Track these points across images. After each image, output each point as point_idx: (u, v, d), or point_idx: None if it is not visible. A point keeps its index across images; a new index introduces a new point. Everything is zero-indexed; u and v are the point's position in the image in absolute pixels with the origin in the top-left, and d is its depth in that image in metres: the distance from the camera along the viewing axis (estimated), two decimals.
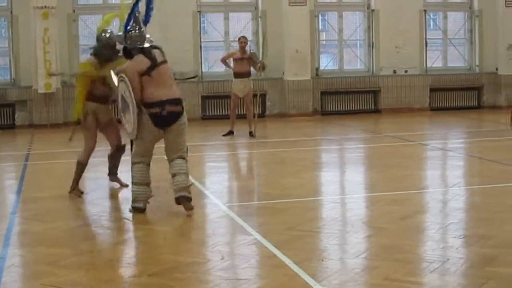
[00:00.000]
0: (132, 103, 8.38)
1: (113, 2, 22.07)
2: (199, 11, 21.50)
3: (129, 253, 7.16)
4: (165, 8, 20.08)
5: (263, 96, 20.82)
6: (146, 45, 8.61)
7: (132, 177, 8.74)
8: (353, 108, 22.15)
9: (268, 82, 21.12)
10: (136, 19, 8.70)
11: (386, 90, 22.66)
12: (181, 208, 8.65)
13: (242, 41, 16.58)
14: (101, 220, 8.58)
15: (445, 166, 12.88)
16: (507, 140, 16.06)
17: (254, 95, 17.05)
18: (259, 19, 22.09)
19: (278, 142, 16.12)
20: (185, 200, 8.45)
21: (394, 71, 22.89)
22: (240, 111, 17.27)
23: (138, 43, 8.63)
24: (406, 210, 8.64)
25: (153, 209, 8.33)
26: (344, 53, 23.23)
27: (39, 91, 19.62)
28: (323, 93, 22.27)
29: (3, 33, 21.75)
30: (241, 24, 22.07)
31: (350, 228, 8.03)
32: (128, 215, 8.55)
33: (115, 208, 9.34)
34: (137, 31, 8.64)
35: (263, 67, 16.70)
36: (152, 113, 8.43)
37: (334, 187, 11.00)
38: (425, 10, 23.29)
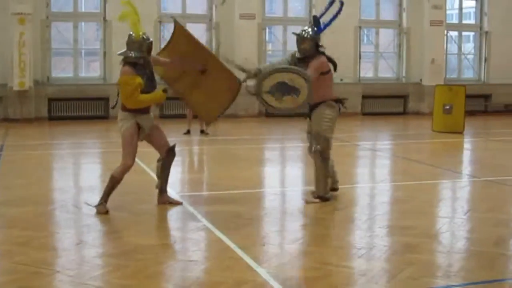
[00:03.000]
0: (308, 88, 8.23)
1: (83, 10, 21.95)
2: (160, 21, 21.43)
3: (92, 235, 7.10)
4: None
5: None
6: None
7: (326, 171, 8.61)
8: (299, 112, 22.14)
9: None
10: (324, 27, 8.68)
11: None
12: (137, 197, 8.68)
13: None
14: (68, 205, 8.49)
15: (374, 165, 12.99)
16: (428, 143, 16.26)
17: None
18: (213, 30, 22.07)
19: (227, 140, 16.11)
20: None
21: None
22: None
23: (324, 48, 8.72)
24: (339, 203, 8.69)
25: (113, 197, 8.25)
26: None
27: (14, 89, 19.52)
28: None
29: None
30: (197, 34, 21.94)
31: (289, 217, 8.07)
32: (91, 201, 8.44)
33: (81, 194, 9.26)
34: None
35: None
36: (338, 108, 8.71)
37: (276, 180, 11.03)
38: (360, 27, 23.47)
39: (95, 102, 20.77)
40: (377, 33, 24.29)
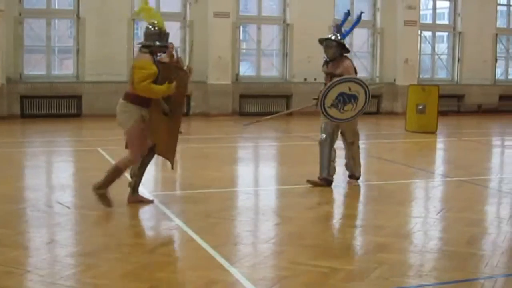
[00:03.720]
0: (366, 92, 9.73)
1: (56, 7, 21.81)
2: (134, 19, 21.33)
3: (64, 234, 7.06)
4: (103, 15, 19.90)
5: (188, 97, 20.78)
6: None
7: (359, 154, 10.09)
8: (268, 110, 22.17)
9: (193, 85, 20.99)
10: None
11: (297, 95, 22.80)
12: (110, 194, 8.63)
13: (170, 46, 16.49)
14: (39, 204, 8.43)
15: None
16: (401, 142, 16.35)
17: None
18: (187, 28, 22.04)
19: (200, 139, 16.09)
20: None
21: (305, 79, 23.05)
22: None
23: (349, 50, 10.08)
24: (312, 202, 8.71)
25: (85, 196, 8.21)
26: (261, 61, 23.37)
27: None
28: (241, 96, 22.34)
29: None
30: (171, 32, 21.87)
31: (261, 216, 8.07)
32: (62, 200, 8.39)
33: (53, 193, 9.20)
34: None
35: (189, 71, 16.61)
36: None
37: (249, 180, 11.03)
38: (334, 26, 23.46)
39: (67, 100, 20.62)
40: (351, 33, 24.30)
